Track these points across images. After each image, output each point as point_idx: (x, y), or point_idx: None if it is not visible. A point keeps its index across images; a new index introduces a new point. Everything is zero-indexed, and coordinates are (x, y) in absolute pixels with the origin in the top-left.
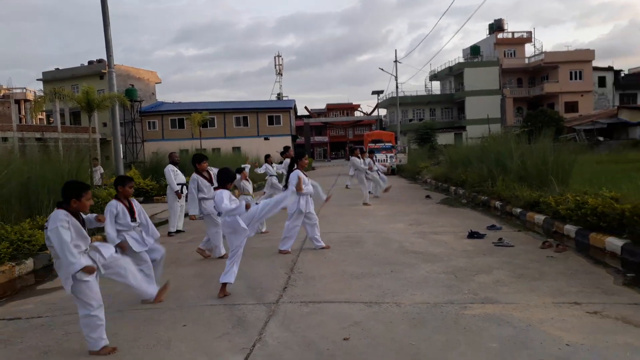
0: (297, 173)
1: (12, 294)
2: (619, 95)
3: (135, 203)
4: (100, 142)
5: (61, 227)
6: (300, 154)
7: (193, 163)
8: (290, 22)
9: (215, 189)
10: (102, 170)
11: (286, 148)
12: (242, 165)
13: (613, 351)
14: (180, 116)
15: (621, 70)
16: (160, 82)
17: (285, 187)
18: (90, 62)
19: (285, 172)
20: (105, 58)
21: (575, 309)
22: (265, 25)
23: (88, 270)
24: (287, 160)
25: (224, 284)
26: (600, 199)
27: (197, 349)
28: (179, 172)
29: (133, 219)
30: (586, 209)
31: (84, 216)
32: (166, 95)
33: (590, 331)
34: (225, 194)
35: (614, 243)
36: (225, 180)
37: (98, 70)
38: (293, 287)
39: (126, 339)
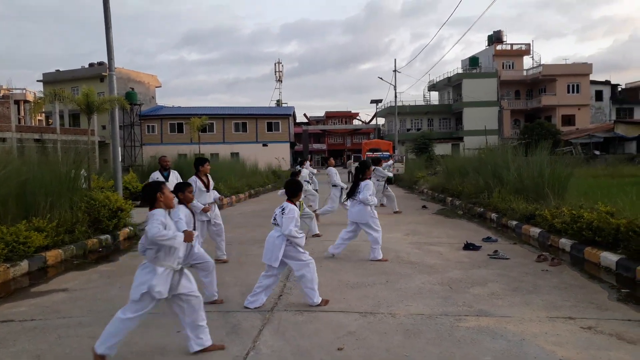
0: (369, 184)
1: (5, 296)
2: (615, 110)
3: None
4: (99, 145)
5: (158, 222)
6: (376, 160)
7: (195, 165)
8: (294, 28)
9: (287, 200)
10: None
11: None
12: (298, 168)
13: None
14: (179, 120)
15: (618, 85)
16: (160, 86)
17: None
18: (90, 65)
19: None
20: (106, 61)
21: (569, 323)
22: (270, 31)
23: (188, 235)
24: (332, 169)
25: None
26: (596, 213)
27: (191, 356)
28: (163, 178)
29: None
30: (581, 223)
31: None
32: (168, 99)
33: (584, 346)
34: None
35: (609, 258)
36: (296, 190)
37: (98, 72)
38: (288, 295)
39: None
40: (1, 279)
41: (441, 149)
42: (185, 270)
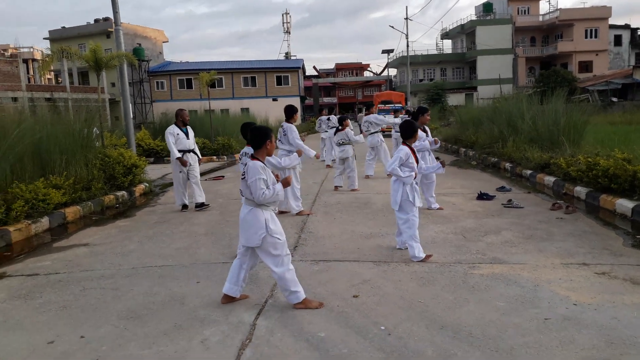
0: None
1: (29, 251)
2: (635, 54)
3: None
4: (110, 102)
5: (259, 179)
6: (422, 110)
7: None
8: None
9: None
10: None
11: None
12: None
13: (620, 310)
14: (188, 76)
15: (638, 29)
16: (167, 41)
17: None
18: (96, 21)
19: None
20: (111, 16)
21: (583, 269)
22: None
23: (287, 181)
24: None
25: None
26: (612, 160)
27: (211, 304)
28: (183, 134)
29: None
30: (597, 171)
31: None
32: (175, 55)
33: (598, 291)
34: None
35: (625, 205)
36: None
37: (104, 28)
38: (303, 246)
39: (142, 294)
40: (24, 235)
41: (454, 99)
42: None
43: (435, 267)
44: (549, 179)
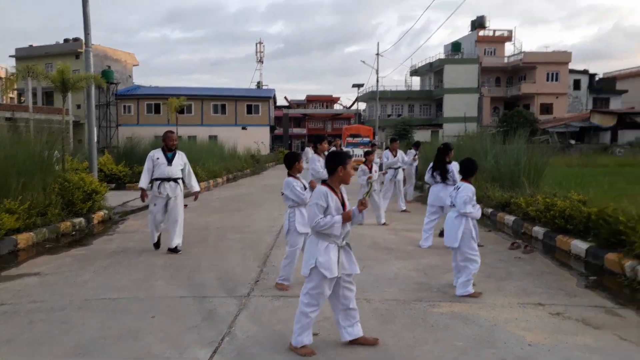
0: None
1: None
2: (592, 99)
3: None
4: (74, 125)
5: (316, 205)
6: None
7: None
8: (281, 8)
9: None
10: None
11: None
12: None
13: (572, 351)
14: (157, 101)
15: (596, 74)
16: (138, 65)
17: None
18: (65, 40)
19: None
20: (82, 36)
21: (539, 309)
22: (256, 10)
23: (346, 216)
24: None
25: None
26: (569, 201)
27: (165, 340)
28: (164, 159)
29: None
30: (554, 211)
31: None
32: (148, 78)
33: (552, 331)
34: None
35: (579, 246)
36: (472, 170)
37: (74, 49)
38: (265, 280)
39: (93, 328)
40: None
41: (421, 135)
42: (347, 248)
43: (396, 304)
44: (509, 218)
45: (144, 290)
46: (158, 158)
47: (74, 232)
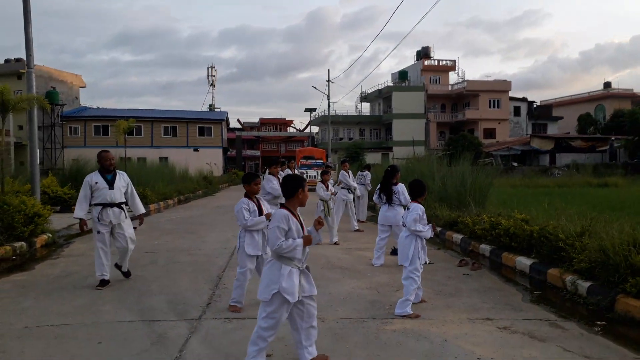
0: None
1: None
2: (531, 125)
3: (263, 203)
4: (15, 146)
5: (278, 228)
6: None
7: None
8: (234, 34)
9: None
10: None
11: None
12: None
13: None
14: (105, 122)
15: (534, 102)
16: (84, 86)
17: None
18: (7, 61)
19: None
20: (24, 57)
21: (487, 324)
22: (208, 35)
23: (307, 240)
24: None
25: None
26: (512, 220)
27: None
28: (104, 183)
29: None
30: (499, 230)
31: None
32: (96, 100)
33: (499, 345)
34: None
35: (524, 262)
36: (421, 191)
37: (16, 69)
38: (217, 302)
39: (34, 357)
40: None
41: (372, 157)
42: (307, 271)
43: (349, 322)
44: (457, 237)
45: (90, 315)
46: (97, 182)
47: (14, 257)
